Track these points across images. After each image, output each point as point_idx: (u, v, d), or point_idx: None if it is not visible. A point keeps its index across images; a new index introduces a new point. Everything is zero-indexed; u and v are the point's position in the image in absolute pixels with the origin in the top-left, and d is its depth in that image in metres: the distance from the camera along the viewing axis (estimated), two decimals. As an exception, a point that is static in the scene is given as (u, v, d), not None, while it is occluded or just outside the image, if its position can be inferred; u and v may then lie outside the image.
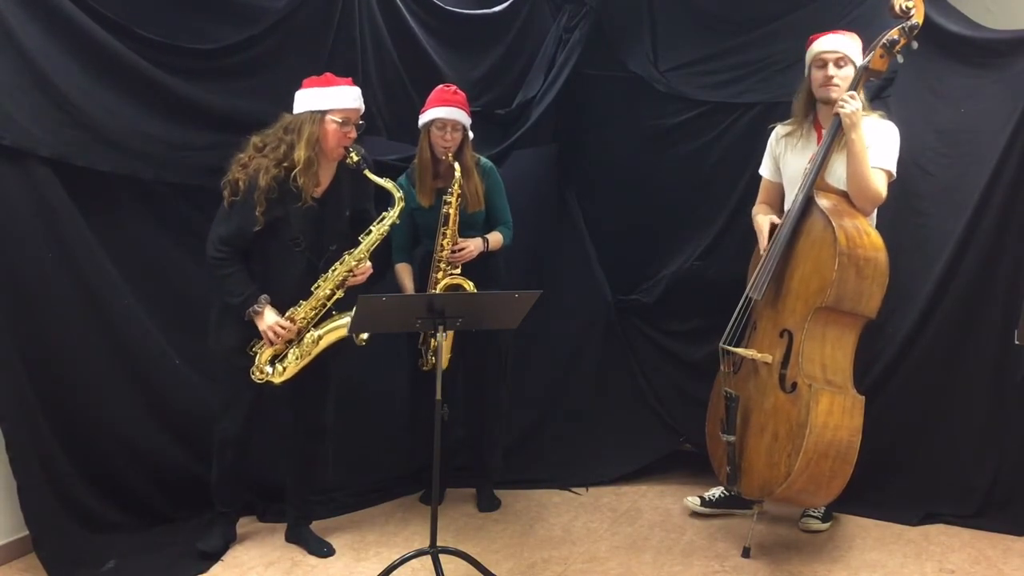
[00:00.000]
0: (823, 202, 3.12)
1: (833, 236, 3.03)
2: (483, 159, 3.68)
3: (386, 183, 3.14)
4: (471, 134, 3.57)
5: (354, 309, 2.83)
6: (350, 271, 3.10)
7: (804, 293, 3.14)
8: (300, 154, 2.99)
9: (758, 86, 3.90)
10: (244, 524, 3.48)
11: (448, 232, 3.47)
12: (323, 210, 3.12)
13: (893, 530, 3.56)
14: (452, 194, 3.45)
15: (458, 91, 3.55)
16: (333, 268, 3.10)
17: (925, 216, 3.62)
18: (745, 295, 3.30)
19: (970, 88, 3.57)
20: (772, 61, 3.83)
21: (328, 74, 3.12)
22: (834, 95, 3.18)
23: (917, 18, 3.10)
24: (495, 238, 3.62)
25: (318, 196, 3.10)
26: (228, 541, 3.33)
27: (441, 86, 3.57)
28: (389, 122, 3.83)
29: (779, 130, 3.44)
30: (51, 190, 3.00)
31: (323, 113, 3.03)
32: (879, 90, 3.60)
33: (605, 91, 4.25)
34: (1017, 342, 3.35)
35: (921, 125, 3.61)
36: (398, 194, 3.14)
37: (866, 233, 3.09)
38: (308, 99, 3.05)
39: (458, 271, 3.50)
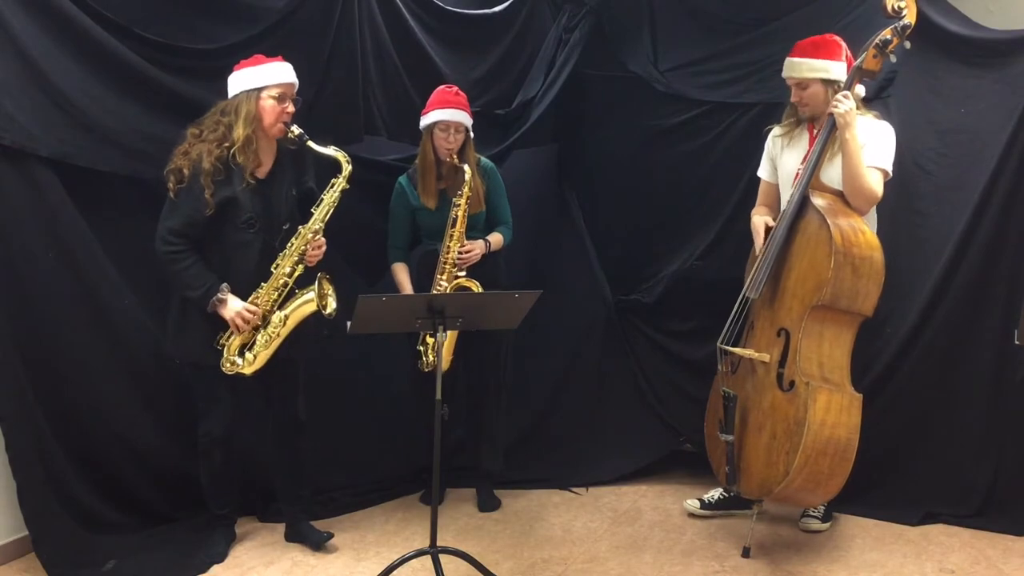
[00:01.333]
0: (818, 201, 3.13)
1: (828, 235, 3.03)
2: (484, 159, 3.69)
3: (331, 152, 3.12)
4: (472, 135, 3.57)
5: (320, 287, 2.91)
6: (307, 244, 3.10)
7: (800, 292, 3.14)
8: (239, 132, 2.99)
9: (758, 86, 3.89)
10: (244, 524, 3.49)
11: (456, 234, 3.47)
12: (270, 190, 3.11)
13: (893, 530, 3.56)
14: (462, 196, 3.45)
15: (460, 92, 3.55)
16: (290, 244, 3.10)
17: (925, 216, 3.62)
18: (742, 294, 3.30)
19: (970, 88, 3.57)
20: (772, 61, 3.81)
21: (258, 55, 3.11)
22: (806, 114, 3.27)
23: (909, 18, 3.12)
24: (496, 239, 3.63)
25: (263, 177, 3.10)
26: (230, 542, 3.33)
27: (442, 87, 3.58)
28: (389, 122, 3.83)
29: (775, 131, 3.46)
30: (51, 190, 3.00)
31: (258, 90, 3.03)
32: (879, 90, 3.60)
33: (605, 91, 4.24)
34: (1017, 342, 3.35)
35: (921, 125, 3.61)
36: (344, 160, 3.12)
37: (861, 232, 3.10)
38: (242, 80, 3.05)
39: (464, 273, 3.50)
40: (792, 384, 3.11)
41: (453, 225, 3.47)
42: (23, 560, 3.16)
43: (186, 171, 2.96)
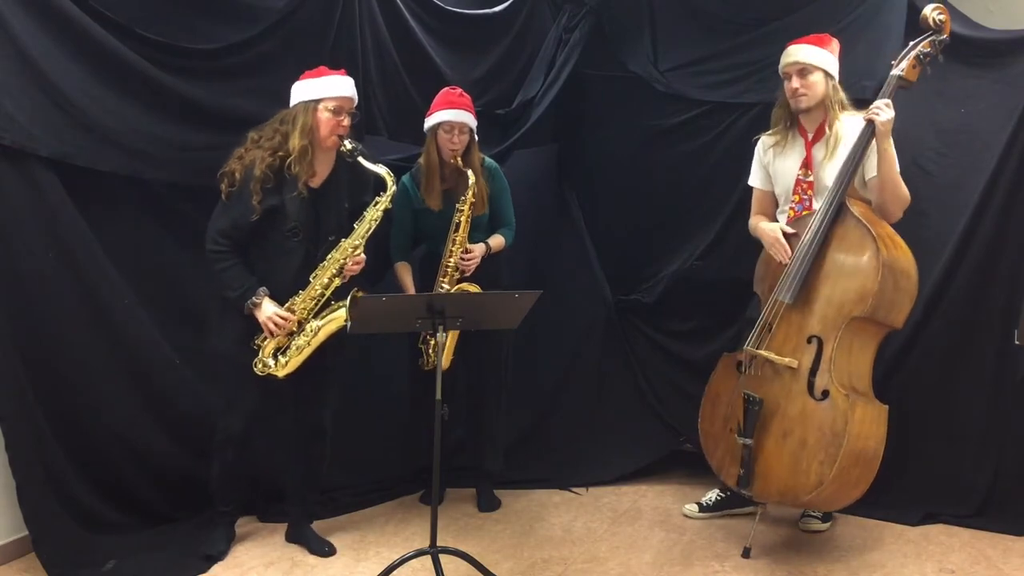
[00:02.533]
0: (856, 209, 3.11)
1: (875, 246, 3.02)
2: (488, 160, 3.69)
3: (379, 168, 3.14)
4: (476, 136, 3.57)
5: (352, 303, 2.92)
6: (346, 258, 3.12)
7: (838, 300, 3.11)
8: (294, 143, 3.04)
9: (758, 86, 3.89)
10: (244, 524, 3.49)
11: (458, 239, 3.47)
12: (321, 200, 3.14)
13: (893, 530, 3.56)
14: (465, 201, 3.45)
15: (464, 93, 3.55)
16: (330, 256, 3.12)
17: (925, 216, 3.61)
18: (772, 298, 3.25)
19: (970, 88, 3.58)
20: (772, 61, 3.79)
21: (322, 67, 3.15)
22: (803, 105, 3.24)
23: (947, 32, 3.17)
24: (496, 241, 3.63)
25: (316, 187, 3.13)
26: (230, 540, 3.33)
27: (447, 88, 3.58)
28: (390, 122, 3.83)
29: (765, 140, 3.45)
30: (51, 190, 3.00)
31: (316, 102, 3.08)
32: (879, 90, 3.60)
33: (605, 91, 4.25)
34: (1017, 342, 3.35)
35: (921, 125, 3.61)
36: (391, 180, 3.14)
37: (898, 245, 3.10)
38: (302, 90, 3.11)
39: (466, 276, 3.50)
40: (826, 393, 3.07)
41: (456, 230, 3.47)
42: (23, 560, 3.15)
43: (238, 175, 3.02)
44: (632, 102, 4.17)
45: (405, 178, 3.62)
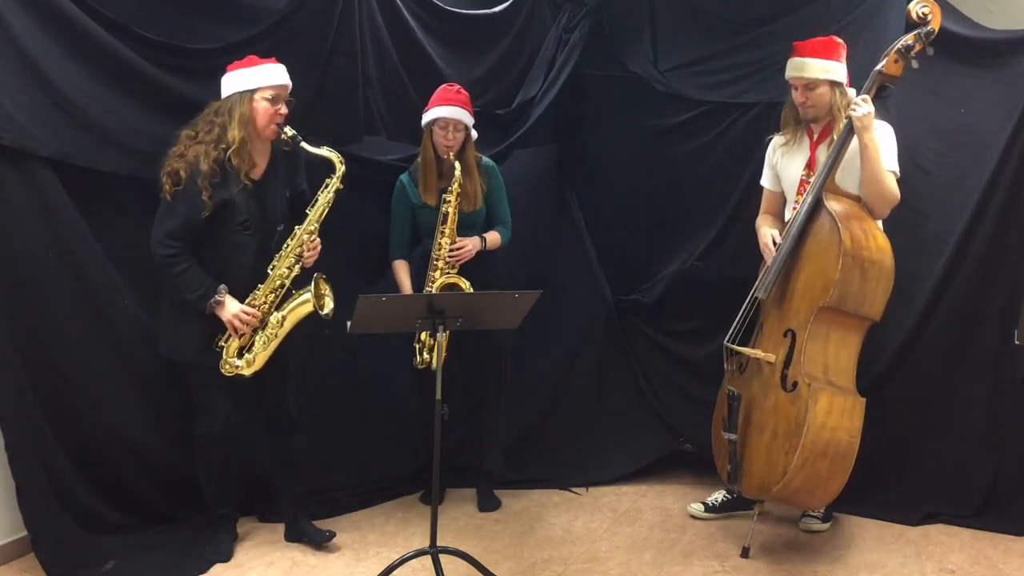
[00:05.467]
0: (832, 204, 3.13)
1: (838, 237, 3.04)
2: (485, 158, 3.69)
3: (325, 152, 3.12)
4: (474, 133, 3.57)
5: (316, 288, 2.96)
6: (303, 245, 3.10)
7: (809, 293, 3.15)
8: (234, 134, 2.99)
9: (758, 86, 3.89)
10: (244, 524, 3.49)
11: (446, 231, 3.47)
12: (265, 191, 3.12)
13: (893, 530, 3.56)
14: (451, 193, 3.45)
15: (461, 90, 3.55)
16: (286, 245, 3.11)
17: (925, 216, 3.62)
18: (751, 294, 3.30)
19: (970, 88, 3.57)
20: (772, 61, 3.81)
21: (252, 56, 3.11)
22: (810, 115, 3.27)
23: (933, 24, 3.13)
24: (492, 237, 3.63)
25: (257, 178, 3.10)
26: (233, 540, 3.34)
27: (444, 85, 3.58)
28: (389, 122, 3.83)
29: (776, 140, 3.46)
30: (51, 190, 3.00)
31: (252, 92, 3.03)
32: (879, 90, 3.59)
33: (605, 91, 4.24)
34: (1017, 342, 3.35)
35: (921, 125, 3.61)
36: (338, 160, 3.13)
37: (873, 236, 3.10)
38: (235, 81, 3.05)
39: (455, 270, 3.50)
40: (795, 385, 3.11)
41: (444, 222, 3.47)
42: (23, 560, 3.16)
43: (183, 173, 2.96)
44: (632, 102, 4.16)
45: (403, 176, 3.63)
